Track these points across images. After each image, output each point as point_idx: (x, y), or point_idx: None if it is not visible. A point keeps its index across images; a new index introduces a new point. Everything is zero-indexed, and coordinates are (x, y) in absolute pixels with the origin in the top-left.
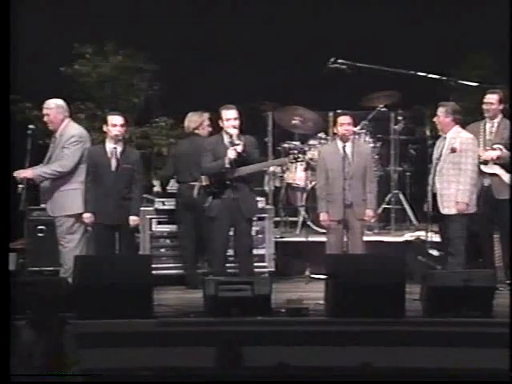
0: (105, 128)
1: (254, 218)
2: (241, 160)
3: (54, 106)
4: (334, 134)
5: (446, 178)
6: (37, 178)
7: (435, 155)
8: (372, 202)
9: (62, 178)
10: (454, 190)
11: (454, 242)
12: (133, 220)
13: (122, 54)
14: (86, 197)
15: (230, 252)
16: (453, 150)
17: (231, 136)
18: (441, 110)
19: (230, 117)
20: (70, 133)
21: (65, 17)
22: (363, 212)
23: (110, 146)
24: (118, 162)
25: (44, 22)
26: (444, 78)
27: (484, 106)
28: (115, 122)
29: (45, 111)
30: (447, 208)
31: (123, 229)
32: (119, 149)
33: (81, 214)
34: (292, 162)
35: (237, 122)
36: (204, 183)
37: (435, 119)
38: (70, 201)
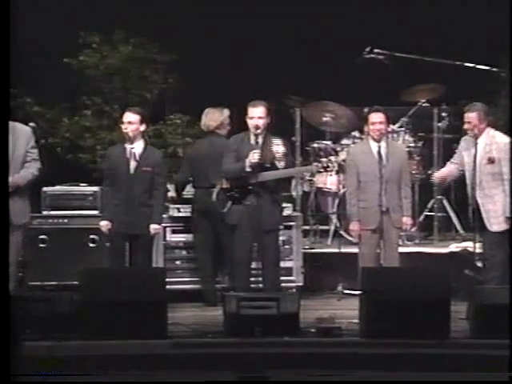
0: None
1: (281, 227)
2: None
3: None
4: (367, 133)
5: (488, 191)
6: (25, 185)
7: (468, 162)
8: (408, 209)
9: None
10: (500, 204)
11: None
12: (154, 228)
13: (133, 43)
14: (103, 202)
15: (254, 264)
16: (490, 161)
17: (256, 137)
18: (472, 116)
19: (254, 115)
20: (25, 131)
21: (69, 2)
22: (401, 219)
23: (128, 146)
24: (138, 163)
25: (46, 8)
26: (494, 69)
27: None
28: (129, 120)
29: None
30: (496, 225)
31: (141, 239)
32: (139, 149)
33: None
34: (320, 172)
35: (261, 122)
36: (224, 186)
37: (466, 126)
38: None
